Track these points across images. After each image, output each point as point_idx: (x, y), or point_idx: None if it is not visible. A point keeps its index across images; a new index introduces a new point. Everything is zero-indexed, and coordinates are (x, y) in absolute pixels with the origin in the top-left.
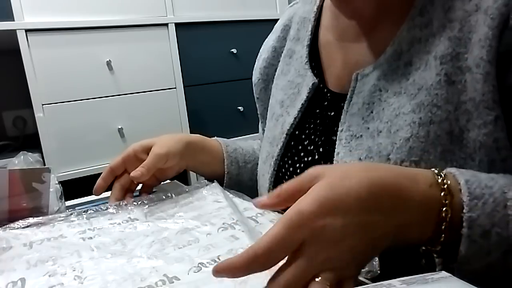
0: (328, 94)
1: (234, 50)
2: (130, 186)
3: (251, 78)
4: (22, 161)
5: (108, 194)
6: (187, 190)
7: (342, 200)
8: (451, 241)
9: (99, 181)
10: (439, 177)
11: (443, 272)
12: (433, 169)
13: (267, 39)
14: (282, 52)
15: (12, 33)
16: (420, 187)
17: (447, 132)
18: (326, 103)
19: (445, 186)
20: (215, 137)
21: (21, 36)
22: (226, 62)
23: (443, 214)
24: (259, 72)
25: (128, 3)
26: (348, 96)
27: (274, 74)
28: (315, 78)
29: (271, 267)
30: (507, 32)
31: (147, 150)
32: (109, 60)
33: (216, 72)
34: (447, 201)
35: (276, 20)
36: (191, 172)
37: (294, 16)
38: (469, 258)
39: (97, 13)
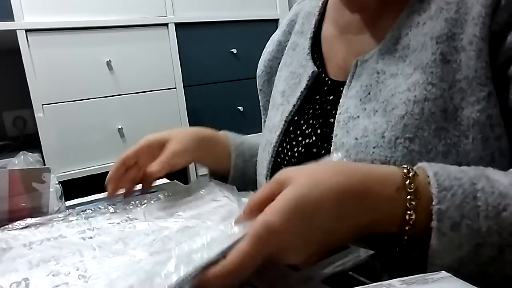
0: (329, 82)
1: (234, 50)
2: (134, 177)
3: (251, 78)
4: (22, 161)
5: (106, 194)
6: (185, 189)
7: (310, 212)
8: (422, 236)
9: (111, 172)
10: (407, 179)
11: (443, 272)
12: (404, 168)
13: (273, 34)
14: (287, 46)
15: (12, 33)
16: (387, 191)
17: (441, 110)
18: (325, 88)
19: (412, 189)
20: (223, 131)
21: (21, 36)
22: (226, 62)
23: (407, 217)
24: (263, 64)
25: (128, 3)
26: (347, 81)
27: (278, 67)
28: (315, 67)
29: (243, 278)
30: (499, 11)
31: (162, 145)
32: (109, 60)
33: (216, 72)
34: (412, 204)
35: (276, 20)
36: (190, 172)
37: (300, 12)
38: (440, 252)
39: (97, 13)
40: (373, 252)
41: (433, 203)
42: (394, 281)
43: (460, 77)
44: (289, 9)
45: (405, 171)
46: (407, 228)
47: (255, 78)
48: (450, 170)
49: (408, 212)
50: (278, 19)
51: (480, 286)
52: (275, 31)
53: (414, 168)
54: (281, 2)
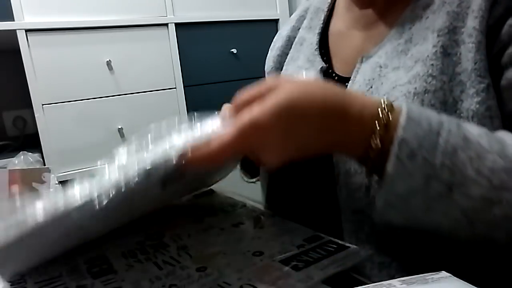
0: (336, 78)
1: (234, 50)
2: None
3: (251, 78)
4: (22, 161)
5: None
6: None
7: (296, 118)
8: (383, 165)
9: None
10: (382, 111)
11: (443, 272)
12: (383, 101)
13: (280, 30)
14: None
15: (12, 33)
16: (362, 118)
17: (441, 102)
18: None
19: (384, 121)
20: None
21: (21, 36)
22: (226, 62)
23: (373, 145)
24: (272, 60)
25: (128, 3)
26: (352, 76)
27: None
28: (323, 62)
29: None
30: (497, 6)
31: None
32: (109, 60)
33: (216, 72)
34: (380, 134)
35: (276, 20)
36: None
37: (309, 8)
38: (394, 178)
39: (97, 13)
40: (373, 252)
41: (398, 131)
42: (394, 281)
43: (460, 70)
44: (289, 9)
45: (383, 103)
46: (371, 153)
47: (255, 78)
48: (426, 110)
49: (374, 139)
50: (278, 19)
51: (424, 222)
52: (275, 31)
53: (395, 103)
54: (281, 2)
